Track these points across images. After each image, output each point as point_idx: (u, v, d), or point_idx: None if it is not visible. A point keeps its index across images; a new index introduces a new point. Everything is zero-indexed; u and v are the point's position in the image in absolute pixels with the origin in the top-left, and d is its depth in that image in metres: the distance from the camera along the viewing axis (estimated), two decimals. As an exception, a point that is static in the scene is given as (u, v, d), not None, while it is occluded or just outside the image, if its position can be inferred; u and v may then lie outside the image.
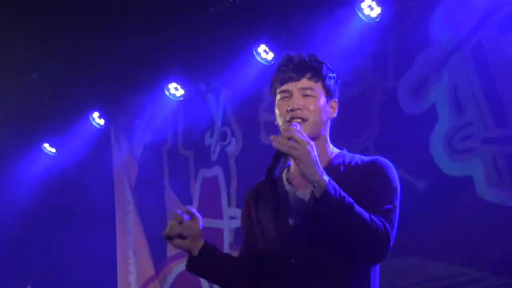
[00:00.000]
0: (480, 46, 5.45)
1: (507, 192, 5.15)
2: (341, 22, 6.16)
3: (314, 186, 2.64)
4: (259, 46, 6.76)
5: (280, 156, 2.70)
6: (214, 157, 7.65)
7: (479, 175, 5.30)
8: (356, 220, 2.63)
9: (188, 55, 7.14)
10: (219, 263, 2.98)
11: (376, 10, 6.00)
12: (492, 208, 5.20)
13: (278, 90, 2.93)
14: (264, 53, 6.77)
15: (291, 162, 2.84)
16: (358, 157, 2.94)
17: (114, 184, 8.80)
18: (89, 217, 8.62)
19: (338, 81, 2.99)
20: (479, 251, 5.24)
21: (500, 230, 5.16)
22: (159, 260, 8.10)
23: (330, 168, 2.86)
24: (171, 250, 7.92)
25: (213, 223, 7.39)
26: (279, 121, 2.90)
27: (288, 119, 2.84)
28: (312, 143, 2.66)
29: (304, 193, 2.84)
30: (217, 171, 7.61)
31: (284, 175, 2.97)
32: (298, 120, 2.83)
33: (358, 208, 2.65)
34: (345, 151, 3.00)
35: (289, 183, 2.94)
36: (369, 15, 6.03)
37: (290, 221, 2.85)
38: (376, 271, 2.88)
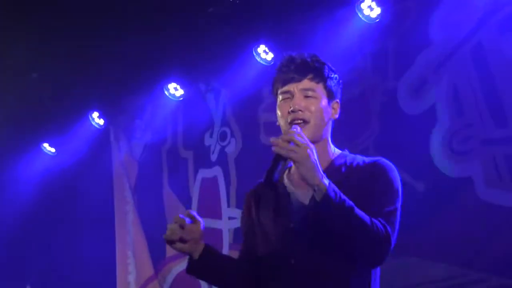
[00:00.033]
0: (480, 47, 5.45)
1: (507, 193, 5.15)
2: (341, 22, 6.16)
3: (314, 190, 2.63)
4: (258, 46, 6.75)
5: (279, 160, 2.69)
6: (213, 157, 7.65)
7: (478, 175, 5.29)
8: (356, 223, 2.63)
9: (188, 55, 7.14)
10: (219, 265, 2.98)
11: (376, 11, 5.99)
12: (492, 209, 5.20)
13: (279, 91, 2.93)
14: (264, 53, 6.76)
15: (292, 163, 2.85)
16: (359, 158, 2.94)
17: (114, 184, 8.80)
18: (88, 217, 8.62)
19: (340, 82, 2.99)
20: (479, 251, 5.23)
21: (500, 231, 5.15)
22: (158, 260, 8.10)
23: (332, 169, 2.86)
24: (170, 250, 7.92)
25: (213, 223, 7.39)
26: (281, 122, 2.90)
27: (289, 120, 2.84)
28: (312, 146, 2.66)
29: (305, 194, 2.83)
30: (216, 171, 7.61)
31: (285, 176, 2.97)
32: (299, 121, 2.83)
33: (358, 211, 2.64)
34: (346, 152, 3.00)
35: (291, 183, 2.93)
36: (369, 16, 6.02)
37: (291, 223, 2.84)
38: (376, 272, 2.88)
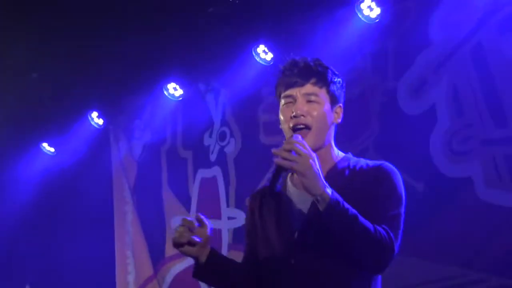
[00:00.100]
0: (480, 47, 5.44)
1: (506, 193, 5.14)
2: (340, 22, 6.15)
3: (317, 200, 2.62)
4: (258, 46, 6.75)
5: (281, 171, 2.69)
6: (213, 157, 7.64)
7: (478, 176, 5.29)
8: (360, 231, 2.62)
9: (187, 55, 7.13)
10: (225, 270, 2.99)
11: (376, 11, 5.99)
12: (492, 209, 5.19)
13: (282, 95, 2.92)
14: (263, 53, 6.76)
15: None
16: (363, 162, 2.92)
17: (113, 184, 8.80)
18: (87, 216, 8.61)
19: (343, 85, 2.97)
20: (479, 252, 5.23)
21: (500, 231, 5.15)
22: (158, 260, 8.10)
23: (335, 172, 2.86)
24: (169, 250, 7.92)
25: (212, 223, 7.38)
26: (283, 126, 2.88)
27: (291, 125, 2.83)
28: (314, 155, 2.64)
29: (308, 198, 2.82)
30: (216, 171, 7.61)
31: (288, 179, 2.96)
32: (301, 126, 2.81)
33: (362, 219, 2.63)
34: (350, 155, 2.98)
35: (295, 185, 2.92)
36: (368, 16, 6.02)
37: (293, 231, 2.83)
38: (377, 277, 2.87)
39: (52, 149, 8.96)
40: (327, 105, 2.88)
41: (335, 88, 2.91)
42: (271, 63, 6.75)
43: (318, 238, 2.74)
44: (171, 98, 7.69)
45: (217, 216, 7.43)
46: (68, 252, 8.63)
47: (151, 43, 6.82)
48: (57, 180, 8.95)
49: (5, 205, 8.89)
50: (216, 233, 7.36)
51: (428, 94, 5.70)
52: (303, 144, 2.65)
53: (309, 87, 2.87)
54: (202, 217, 2.92)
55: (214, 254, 2.95)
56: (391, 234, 2.69)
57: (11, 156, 8.91)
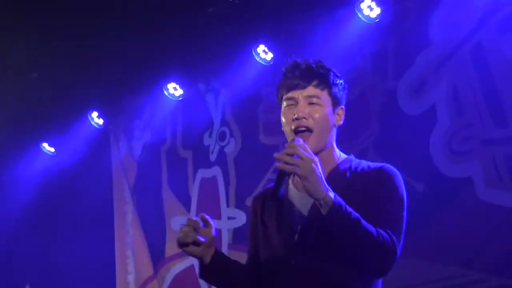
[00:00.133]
0: (480, 47, 5.44)
1: (506, 193, 5.14)
2: (340, 22, 6.15)
3: (320, 204, 2.61)
4: (258, 46, 6.75)
5: (284, 175, 2.68)
6: (213, 157, 7.64)
7: (478, 176, 5.29)
8: (362, 235, 2.61)
9: (187, 55, 7.13)
10: (229, 271, 2.99)
11: (376, 11, 5.98)
12: (492, 209, 5.19)
13: (284, 97, 2.90)
14: (263, 53, 6.76)
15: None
16: (365, 163, 2.91)
17: (113, 184, 8.80)
18: (87, 216, 8.61)
19: (346, 87, 2.96)
20: (479, 252, 5.23)
21: (500, 231, 5.15)
22: (158, 260, 8.10)
23: (336, 174, 2.85)
24: (169, 250, 7.92)
25: (212, 223, 7.39)
26: (285, 129, 2.87)
27: (293, 127, 2.82)
28: (316, 159, 2.63)
29: (310, 201, 2.80)
30: (216, 171, 7.60)
31: (290, 181, 2.94)
32: (303, 129, 2.81)
33: (364, 222, 2.62)
34: (352, 157, 2.97)
35: (296, 187, 2.91)
36: (368, 16, 6.01)
37: (294, 234, 2.82)
38: (378, 280, 2.86)
39: (52, 149, 8.96)
40: (329, 107, 2.87)
41: (337, 90, 2.90)
42: (271, 63, 6.75)
43: (319, 240, 2.73)
44: (171, 98, 7.69)
45: (217, 216, 7.43)
46: (68, 252, 8.63)
47: (151, 43, 6.82)
48: (57, 180, 8.95)
49: (5, 205, 8.89)
50: (216, 233, 7.35)
51: (428, 94, 5.69)
52: (305, 147, 2.64)
53: (311, 90, 2.85)
54: (207, 217, 2.92)
55: (219, 255, 2.95)
56: (394, 238, 2.68)
57: (11, 156, 8.91)
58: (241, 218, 7.11)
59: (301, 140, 2.69)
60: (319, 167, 2.62)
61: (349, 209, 2.62)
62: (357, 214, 2.62)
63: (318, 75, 2.87)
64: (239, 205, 7.22)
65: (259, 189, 6.71)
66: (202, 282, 7.39)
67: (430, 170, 5.54)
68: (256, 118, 7.14)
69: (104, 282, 8.57)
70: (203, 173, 7.76)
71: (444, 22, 5.65)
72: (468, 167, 5.36)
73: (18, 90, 7.59)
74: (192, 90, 7.68)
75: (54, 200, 9.04)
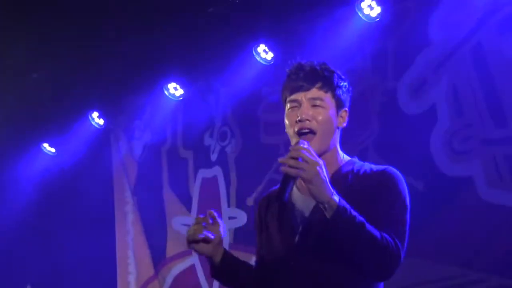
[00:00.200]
0: (480, 47, 5.44)
1: (507, 193, 5.14)
2: (340, 21, 6.15)
3: (324, 207, 2.61)
4: (258, 46, 6.75)
5: (289, 179, 2.66)
6: (213, 157, 7.64)
7: (479, 175, 5.29)
8: (367, 238, 2.61)
9: (187, 55, 7.13)
10: (238, 271, 3.01)
11: (376, 10, 5.97)
12: (493, 209, 5.19)
13: (288, 99, 2.91)
14: (264, 53, 6.76)
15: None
16: (367, 166, 2.92)
17: (114, 184, 8.80)
18: (88, 217, 8.61)
19: (349, 89, 2.97)
20: (479, 251, 5.22)
21: (500, 231, 5.14)
22: (159, 260, 8.10)
23: (338, 176, 2.85)
24: (170, 250, 7.92)
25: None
26: (289, 131, 2.88)
27: (296, 129, 2.82)
28: (321, 162, 2.63)
29: (313, 201, 2.80)
30: (216, 171, 7.60)
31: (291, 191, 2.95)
32: (306, 131, 2.81)
33: (369, 226, 2.62)
34: (355, 159, 2.98)
35: (298, 189, 2.91)
36: (369, 15, 6.01)
37: (295, 232, 2.83)
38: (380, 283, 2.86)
39: (53, 150, 8.96)
40: (332, 110, 2.87)
41: (340, 93, 2.90)
42: (272, 62, 6.75)
43: (320, 243, 2.73)
44: (171, 98, 7.69)
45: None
46: (69, 252, 8.63)
47: (151, 43, 6.82)
48: (58, 180, 8.95)
49: (6, 205, 8.89)
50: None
51: (428, 94, 5.69)
52: (310, 150, 2.64)
53: (314, 92, 2.86)
54: (215, 214, 2.92)
55: (228, 255, 2.98)
56: (397, 241, 2.68)
57: (11, 156, 8.91)
58: (242, 218, 7.11)
59: (305, 143, 2.69)
60: (324, 170, 2.62)
61: (354, 212, 2.61)
62: (361, 218, 2.62)
63: (322, 77, 2.88)
64: (240, 205, 7.22)
65: (260, 189, 6.74)
66: (203, 282, 7.39)
67: (430, 170, 5.54)
68: (257, 118, 7.14)
69: (105, 283, 8.57)
70: (203, 173, 7.76)
71: (444, 22, 5.65)
72: (468, 166, 5.35)
73: (18, 90, 7.59)
74: (192, 90, 7.68)
75: (55, 201, 9.04)
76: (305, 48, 6.10)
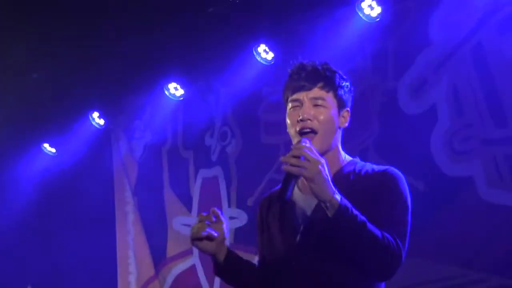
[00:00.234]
0: (480, 47, 5.44)
1: (507, 193, 5.14)
2: (341, 21, 6.15)
3: (326, 206, 2.61)
4: (259, 46, 6.75)
5: (291, 178, 2.66)
6: (214, 157, 7.64)
7: (479, 175, 5.28)
8: (368, 238, 2.61)
9: (188, 55, 7.13)
10: (242, 270, 3.01)
11: (377, 10, 5.98)
12: (493, 209, 5.19)
13: (289, 99, 2.90)
14: (264, 53, 6.76)
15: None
16: (369, 166, 2.91)
17: (114, 184, 8.80)
18: (89, 217, 8.61)
19: (351, 90, 2.97)
20: (480, 251, 5.22)
21: (501, 231, 5.14)
22: (159, 260, 8.10)
23: (340, 176, 2.84)
24: (170, 251, 7.92)
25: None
26: (290, 131, 2.88)
27: (298, 129, 2.82)
28: (323, 161, 2.62)
29: (314, 200, 2.80)
30: (217, 171, 7.60)
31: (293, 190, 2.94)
32: (307, 130, 2.81)
33: (370, 225, 2.62)
34: (357, 159, 2.98)
35: (300, 189, 2.91)
36: (369, 15, 6.01)
37: (296, 231, 2.83)
38: (381, 283, 2.85)
39: (54, 150, 8.96)
40: (334, 109, 2.87)
41: (342, 93, 2.90)
42: (272, 62, 6.75)
43: (321, 242, 2.73)
44: (172, 98, 7.69)
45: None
46: (70, 252, 8.63)
47: (151, 43, 6.82)
48: (58, 181, 8.94)
49: (6, 205, 8.89)
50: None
51: (428, 94, 5.69)
52: (312, 148, 2.64)
53: (316, 91, 2.86)
54: (219, 211, 2.92)
55: (232, 254, 2.97)
56: (399, 241, 2.68)
57: (11, 156, 8.91)
58: (243, 218, 7.11)
59: (307, 141, 2.69)
60: (326, 168, 2.62)
61: (355, 211, 2.61)
62: (363, 217, 2.62)
63: (324, 77, 2.87)
64: (241, 205, 7.22)
65: (260, 189, 6.74)
66: (203, 283, 7.39)
67: (430, 170, 5.53)
68: (257, 118, 7.14)
69: (105, 283, 8.57)
70: (204, 173, 7.76)
71: (445, 22, 5.65)
72: (468, 166, 5.35)
73: (18, 90, 7.59)
74: (192, 90, 7.68)
75: (55, 201, 9.04)
76: (306, 48, 6.09)
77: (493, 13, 5.37)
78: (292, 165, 2.59)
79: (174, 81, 7.58)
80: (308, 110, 2.83)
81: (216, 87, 7.55)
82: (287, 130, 2.91)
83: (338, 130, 2.91)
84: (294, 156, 2.60)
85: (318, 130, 2.82)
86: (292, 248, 2.81)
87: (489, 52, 5.37)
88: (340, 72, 2.93)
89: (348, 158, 2.96)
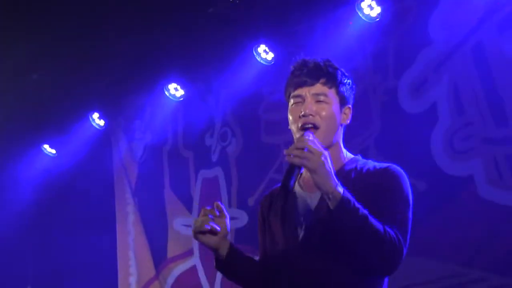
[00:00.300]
0: (480, 46, 5.44)
1: (507, 192, 5.14)
2: (341, 21, 6.15)
3: (329, 198, 2.60)
4: (259, 46, 6.75)
5: (294, 169, 2.66)
6: (214, 158, 7.64)
7: (480, 174, 5.29)
8: (370, 231, 2.60)
9: (187, 55, 7.14)
10: (244, 265, 3.00)
11: (376, 10, 5.98)
12: (493, 208, 5.19)
13: (291, 95, 2.91)
14: (264, 53, 6.76)
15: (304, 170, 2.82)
16: (371, 164, 2.91)
17: (115, 185, 8.80)
18: (89, 218, 8.61)
19: (353, 87, 2.97)
20: (480, 250, 5.23)
21: (501, 230, 5.14)
22: (160, 261, 8.10)
23: (342, 173, 2.84)
24: (171, 251, 7.92)
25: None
26: (292, 127, 2.88)
27: (300, 124, 2.82)
28: (326, 153, 2.62)
29: (316, 198, 2.81)
30: (217, 171, 7.60)
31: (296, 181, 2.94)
32: (309, 125, 2.81)
33: (372, 219, 2.61)
34: (359, 157, 2.98)
35: (301, 187, 2.91)
36: (369, 15, 6.01)
37: (297, 229, 2.83)
38: (384, 281, 2.85)
39: (54, 151, 8.96)
40: (336, 106, 2.87)
41: (344, 89, 2.90)
42: (272, 62, 6.75)
43: (326, 240, 2.73)
44: (172, 98, 7.69)
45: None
46: (70, 253, 8.64)
47: (151, 43, 6.83)
48: (58, 182, 8.95)
49: (7, 206, 8.90)
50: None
51: (429, 93, 5.69)
52: (315, 141, 2.65)
53: (318, 87, 2.86)
54: (222, 206, 2.93)
55: (234, 249, 2.96)
56: (400, 236, 2.67)
57: (11, 156, 8.92)
58: (243, 219, 7.11)
59: (311, 135, 2.72)
60: (329, 161, 2.62)
61: (358, 204, 2.61)
62: (365, 210, 2.62)
63: (326, 73, 2.88)
64: (241, 205, 7.21)
65: (261, 189, 6.74)
66: (204, 283, 7.39)
67: (431, 169, 5.54)
68: (257, 118, 7.14)
69: (106, 284, 8.57)
70: (204, 173, 7.76)
71: (445, 21, 5.65)
72: (469, 165, 5.36)
73: (18, 90, 7.60)
74: (192, 90, 7.68)
75: (56, 202, 9.05)
76: (306, 48, 6.10)
77: (493, 13, 5.37)
78: (295, 156, 2.59)
79: (174, 82, 7.58)
80: (310, 106, 2.83)
81: (216, 87, 7.55)
82: (289, 127, 2.91)
83: (340, 127, 2.91)
84: (298, 148, 2.60)
85: (320, 126, 2.82)
86: (294, 246, 2.82)
87: (490, 51, 5.37)
88: (342, 69, 2.94)
89: (349, 155, 2.97)
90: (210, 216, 2.90)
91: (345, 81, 2.92)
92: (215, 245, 2.90)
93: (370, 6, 5.98)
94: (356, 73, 5.91)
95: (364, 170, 2.87)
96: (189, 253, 7.55)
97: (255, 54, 6.77)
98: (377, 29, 6.05)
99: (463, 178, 5.38)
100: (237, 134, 7.43)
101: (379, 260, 2.67)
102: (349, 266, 2.71)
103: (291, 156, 2.60)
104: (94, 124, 8.46)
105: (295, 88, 2.89)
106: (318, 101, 2.84)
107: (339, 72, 2.91)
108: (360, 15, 6.03)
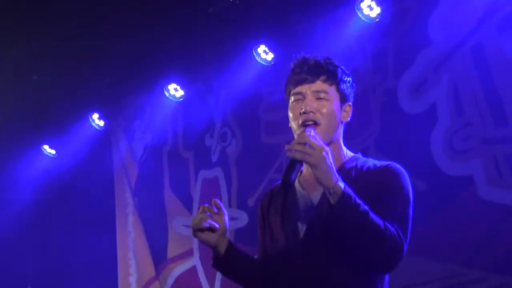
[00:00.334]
0: (480, 46, 5.44)
1: (507, 192, 5.14)
2: (340, 22, 6.16)
3: (329, 193, 2.61)
4: (259, 46, 6.75)
5: (295, 163, 2.66)
6: (214, 158, 7.64)
7: (479, 174, 5.29)
8: (371, 227, 2.61)
9: (187, 55, 7.14)
10: (243, 264, 2.99)
11: (376, 10, 5.98)
12: (493, 208, 5.19)
13: (292, 92, 2.91)
14: (264, 53, 6.76)
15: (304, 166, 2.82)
16: (371, 162, 2.92)
17: (115, 185, 8.80)
18: (89, 218, 8.61)
19: (353, 85, 2.97)
20: (480, 250, 5.22)
21: (501, 230, 5.14)
22: (160, 261, 8.10)
23: (342, 171, 2.83)
24: (171, 251, 7.92)
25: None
26: (293, 124, 2.89)
27: (300, 122, 2.83)
28: (327, 148, 2.63)
29: (316, 196, 2.82)
30: (217, 171, 7.60)
31: (296, 179, 2.94)
32: (310, 122, 2.81)
33: (373, 215, 2.62)
34: (359, 155, 2.98)
35: (301, 186, 2.92)
36: (368, 15, 6.01)
37: (297, 226, 2.83)
38: (385, 279, 2.85)
39: (53, 151, 8.96)
40: (336, 103, 2.87)
41: (344, 87, 2.91)
42: (272, 63, 6.75)
43: (326, 238, 2.73)
44: (172, 99, 7.69)
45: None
46: (70, 254, 8.64)
47: (151, 43, 6.83)
48: (58, 182, 8.95)
49: (7, 206, 8.90)
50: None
51: (429, 93, 5.69)
52: (316, 137, 2.66)
53: (319, 84, 2.87)
54: (220, 203, 2.93)
55: (233, 247, 2.96)
56: (401, 233, 2.68)
57: (11, 157, 8.92)
58: (243, 219, 7.11)
59: (312, 130, 2.72)
60: (330, 156, 2.63)
61: (359, 200, 2.62)
62: (366, 206, 2.62)
63: (327, 71, 2.88)
64: (241, 205, 7.21)
65: (261, 189, 6.74)
66: (204, 284, 7.39)
67: (431, 169, 5.54)
68: (257, 118, 7.14)
69: (106, 284, 8.57)
70: (204, 173, 7.76)
71: (444, 21, 5.65)
72: (469, 165, 5.35)
73: (18, 90, 7.60)
74: (192, 91, 7.68)
75: (56, 202, 9.05)
76: (306, 49, 6.07)
77: (493, 13, 5.37)
78: (296, 151, 2.59)
79: (174, 82, 7.58)
80: (310, 103, 2.84)
81: (216, 87, 7.55)
82: (289, 124, 2.92)
83: (340, 124, 2.92)
84: (299, 143, 2.61)
85: (321, 123, 2.82)
86: (295, 242, 2.82)
87: (489, 52, 5.37)
88: (342, 66, 2.94)
89: (350, 153, 2.97)
90: (208, 213, 2.88)
91: (346, 78, 2.92)
92: (214, 243, 2.90)
93: (369, 6, 5.98)
94: (355, 74, 5.90)
95: (364, 168, 2.88)
96: (189, 253, 7.55)
97: (255, 54, 6.77)
98: (376, 30, 6.05)
99: (463, 178, 5.38)
100: (237, 134, 7.43)
101: (379, 256, 2.67)
102: (350, 262, 2.72)
103: (293, 151, 2.60)
104: (94, 125, 8.46)
105: (296, 86, 2.90)
106: (319, 98, 2.85)
107: (340, 70, 2.91)
108: (360, 15, 6.03)
